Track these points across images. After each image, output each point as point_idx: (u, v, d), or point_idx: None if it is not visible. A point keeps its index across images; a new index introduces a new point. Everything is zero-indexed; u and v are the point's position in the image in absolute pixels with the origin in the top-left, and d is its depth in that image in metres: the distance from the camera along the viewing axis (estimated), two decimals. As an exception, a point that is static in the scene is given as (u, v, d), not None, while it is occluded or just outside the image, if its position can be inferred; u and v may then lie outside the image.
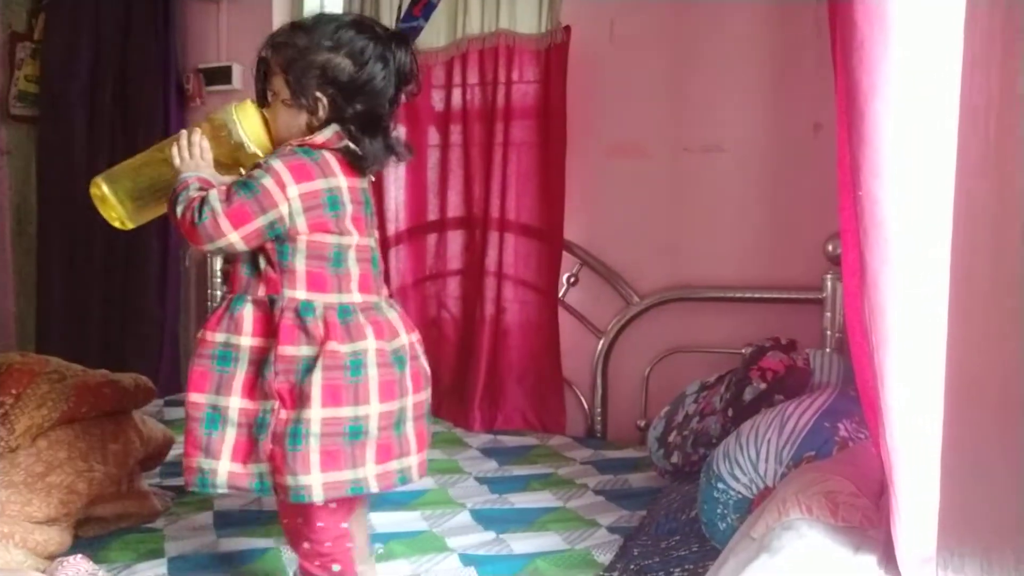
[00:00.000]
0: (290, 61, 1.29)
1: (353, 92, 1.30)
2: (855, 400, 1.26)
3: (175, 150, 1.32)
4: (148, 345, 3.12)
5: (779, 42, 2.32)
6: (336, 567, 1.31)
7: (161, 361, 3.11)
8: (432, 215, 2.78)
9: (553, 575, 1.53)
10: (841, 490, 0.95)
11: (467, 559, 1.60)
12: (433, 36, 2.69)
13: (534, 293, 2.62)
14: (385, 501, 1.92)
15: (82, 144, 3.11)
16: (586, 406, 2.57)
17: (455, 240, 2.75)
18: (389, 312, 1.37)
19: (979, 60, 0.54)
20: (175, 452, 2.14)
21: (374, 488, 1.28)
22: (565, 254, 2.55)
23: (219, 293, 3.13)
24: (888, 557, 0.82)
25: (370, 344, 1.28)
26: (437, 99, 2.74)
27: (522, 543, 1.67)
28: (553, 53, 2.50)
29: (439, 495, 1.98)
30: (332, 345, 1.23)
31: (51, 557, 1.50)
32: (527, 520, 1.81)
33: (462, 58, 2.65)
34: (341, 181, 1.30)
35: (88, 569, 1.28)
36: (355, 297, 1.31)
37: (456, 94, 2.68)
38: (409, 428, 1.36)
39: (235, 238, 1.22)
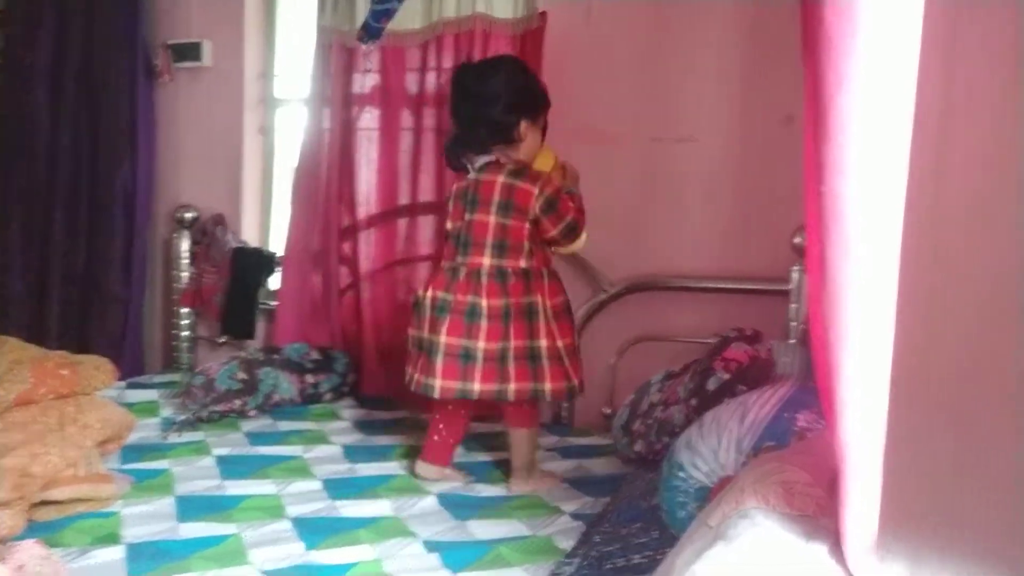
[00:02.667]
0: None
1: None
2: (814, 392, 1.28)
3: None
4: (110, 326, 3.07)
5: (753, 34, 2.33)
6: None
7: (124, 343, 3.06)
8: (403, 199, 2.76)
9: (516, 561, 1.54)
10: (797, 480, 0.97)
11: (431, 545, 1.60)
12: (408, 18, 2.66)
13: (504, 280, 2.61)
14: (351, 487, 1.92)
15: (44, 119, 3.04)
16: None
17: (426, 225, 2.74)
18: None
19: (932, 62, 0.55)
20: (136, 435, 2.12)
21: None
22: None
23: (185, 274, 3.10)
24: (837, 545, 0.84)
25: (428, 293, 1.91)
26: (411, 82, 2.71)
27: (486, 529, 1.68)
28: (529, 38, 2.49)
29: (405, 481, 1.98)
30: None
31: (2, 541, 1.47)
32: (491, 506, 1.82)
33: (437, 41, 2.63)
34: None
35: (41, 554, 1.26)
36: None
37: (431, 78, 2.66)
38: (438, 358, 1.83)
39: None
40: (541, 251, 1.88)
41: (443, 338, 1.83)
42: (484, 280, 1.84)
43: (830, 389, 0.89)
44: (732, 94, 2.37)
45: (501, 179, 1.85)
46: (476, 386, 1.83)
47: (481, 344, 1.82)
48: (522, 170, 1.88)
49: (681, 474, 1.33)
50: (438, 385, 1.84)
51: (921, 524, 0.53)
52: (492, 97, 1.86)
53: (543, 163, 1.93)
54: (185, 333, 3.13)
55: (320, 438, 2.29)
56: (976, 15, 0.52)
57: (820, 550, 0.84)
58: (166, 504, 1.76)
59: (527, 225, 1.84)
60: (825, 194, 0.84)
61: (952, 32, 0.55)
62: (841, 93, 0.81)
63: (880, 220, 0.77)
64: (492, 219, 1.84)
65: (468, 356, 1.83)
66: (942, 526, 0.49)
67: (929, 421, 0.54)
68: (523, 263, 1.85)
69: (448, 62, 2.62)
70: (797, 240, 2.10)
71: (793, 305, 2.15)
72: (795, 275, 2.15)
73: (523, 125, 1.88)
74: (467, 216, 1.88)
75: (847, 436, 0.80)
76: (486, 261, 1.85)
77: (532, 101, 1.90)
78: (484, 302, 1.83)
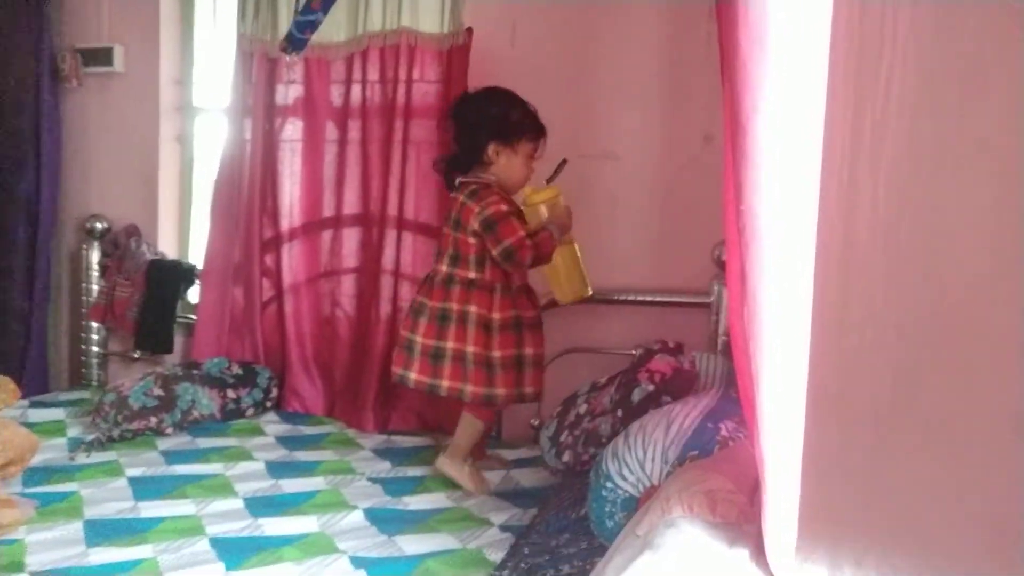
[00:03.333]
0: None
1: None
2: (736, 401, 1.33)
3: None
4: (11, 342, 2.90)
5: (674, 55, 2.40)
6: None
7: (26, 359, 2.90)
8: (328, 211, 2.72)
9: (444, 575, 1.53)
10: (720, 488, 1.00)
11: (357, 561, 1.58)
12: (333, 30, 2.64)
13: (431, 293, 2.60)
14: (276, 504, 1.87)
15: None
16: (481, 406, 2.58)
17: (351, 238, 2.71)
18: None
19: (839, 89, 0.59)
20: (41, 457, 2.02)
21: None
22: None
23: (96, 287, 2.96)
24: (759, 550, 0.87)
25: None
26: (336, 94, 2.68)
27: (414, 544, 1.67)
28: (455, 54, 2.50)
29: (331, 496, 1.94)
30: None
31: None
32: (419, 520, 1.81)
33: (362, 55, 2.61)
34: None
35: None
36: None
37: (355, 90, 2.64)
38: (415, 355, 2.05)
39: None
40: (496, 266, 2.02)
41: (418, 337, 2.06)
42: (437, 285, 2.06)
43: (751, 399, 0.92)
44: (654, 113, 2.44)
45: (460, 197, 2.04)
46: (413, 376, 2.06)
47: (419, 339, 2.05)
48: (477, 191, 2.02)
49: (609, 484, 1.36)
50: (412, 378, 2.07)
51: (840, 527, 0.56)
52: (464, 123, 2.07)
53: (537, 195, 2.05)
54: (95, 349, 2.99)
55: (242, 455, 2.23)
56: (883, 42, 0.55)
57: (742, 555, 0.87)
58: (74, 529, 1.68)
59: (471, 239, 2.01)
60: (744, 212, 0.88)
61: (859, 59, 0.59)
62: (757, 116, 0.85)
63: (794, 237, 0.81)
64: (450, 232, 2.05)
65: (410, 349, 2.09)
66: (860, 529, 0.52)
67: (845, 429, 0.57)
68: (471, 274, 2.03)
69: (373, 75, 2.61)
70: (717, 254, 2.18)
71: (714, 317, 2.22)
72: (716, 288, 2.23)
73: (491, 148, 2.04)
74: (444, 229, 2.10)
75: (767, 444, 0.84)
76: (443, 268, 2.06)
77: (502, 126, 2.04)
78: (430, 303, 2.06)
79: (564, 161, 2.09)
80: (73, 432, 2.36)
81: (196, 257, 2.99)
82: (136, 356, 2.94)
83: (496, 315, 2.00)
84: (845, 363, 0.55)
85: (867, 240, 0.56)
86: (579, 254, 2.12)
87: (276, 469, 2.12)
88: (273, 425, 2.54)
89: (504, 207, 2.00)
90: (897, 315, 0.51)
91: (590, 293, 2.12)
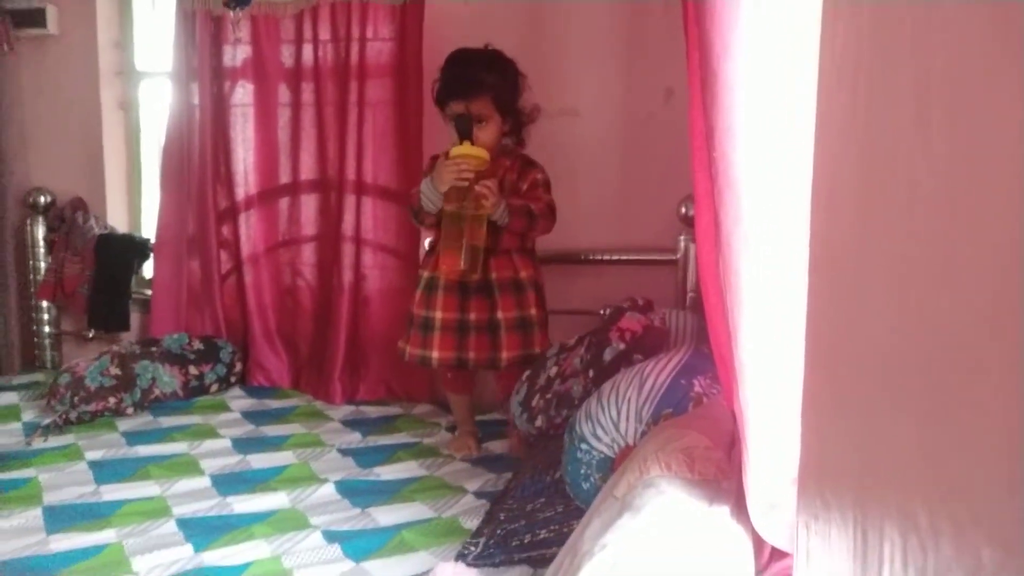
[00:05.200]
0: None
1: None
2: (708, 357, 1.31)
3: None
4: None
5: (630, 8, 2.34)
6: None
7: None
8: (284, 178, 2.64)
9: (420, 545, 1.51)
10: (697, 445, 0.98)
11: (331, 535, 1.55)
12: (280, -14, 2.53)
13: (394, 258, 2.55)
14: (244, 481, 1.83)
15: None
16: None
17: (309, 204, 2.63)
18: None
19: (844, 15, 0.55)
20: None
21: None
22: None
23: (43, 264, 2.85)
24: (740, 507, 0.86)
25: None
26: (287, 55, 2.58)
27: (388, 515, 1.64)
28: (409, 10, 2.41)
29: (301, 470, 1.91)
30: None
31: None
32: (393, 491, 1.78)
33: (312, 12, 2.51)
34: None
35: None
36: None
37: (307, 50, 2.54)
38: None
39: None
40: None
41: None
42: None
43: (727, 353, 0.90)
44: (613, 68, 2.39)
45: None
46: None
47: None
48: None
49: (583, 446, 1.34)
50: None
51: (833, 480, 0.54)
52: (512, 84, 2.01)
53: (468, 149, 1.87)
54: (47, 328, 2.88)
55: (207, 432, 2.17)
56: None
57: (723, 512, 0.85)
58: (33, 516, 1.62)
59: None
60: (717, 160, 0.84)
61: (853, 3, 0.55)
62: (728, 58, 0.81)
63: (773, 182, 0.78)
64: None
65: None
66: (880, 488, 0.50)
67: (844, 380, 0.54)
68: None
69: (325, 34, 2.51)
70: (683, 210, 2.15)
71: (681, 273, 2.21)
72: (682, 244, 2.21)
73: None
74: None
75: (746, 398, 0.82)
76: None
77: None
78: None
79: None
80: (28, 416, 2.28)
81: (148, 230, 2.88)
82: (90, 335, 2.85)
83: (440, 271, 1.95)
84: (856, 312, 0.53)
85: (865, 181, 0.53)
86: (463, 223, 1.85)
87: (243, 445, 2.07)
88: (238, 400, 2.48)
89: (430, 169, 1.99)
90: (903, 251, 0.48)
91: (461, 267, 1.85)
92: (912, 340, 0.45)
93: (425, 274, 2.03)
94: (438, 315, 1.97)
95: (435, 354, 1.97)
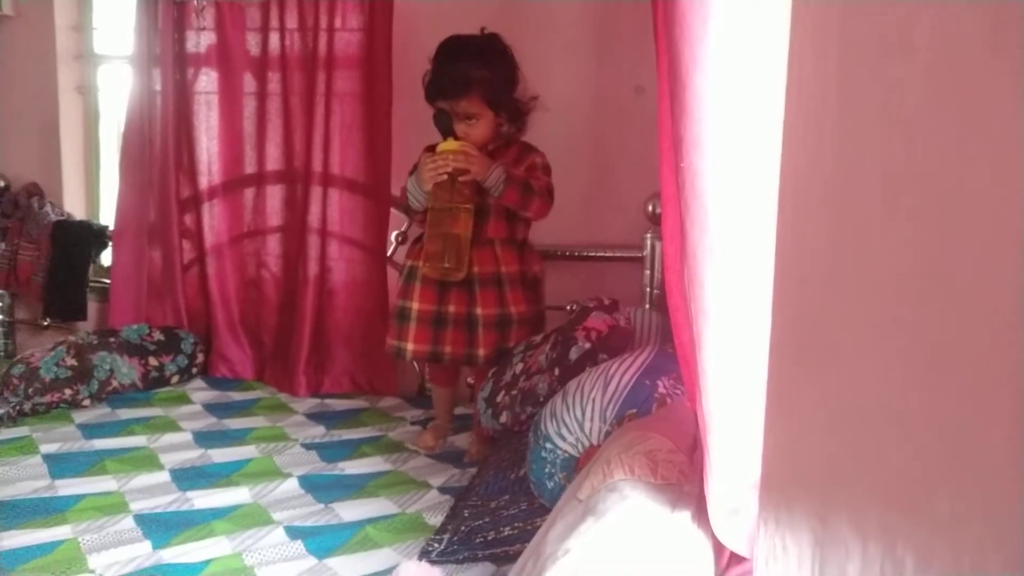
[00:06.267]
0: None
1: None
2: (672, 357, 1.33)
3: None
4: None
5: (602, 3, 2.35)
6: None
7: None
8: (249, 168, 2.60)
9: (384, 541, 1.51)
10: (660, 448, 1.00)
11: (293, 531, 1.54)
12: (246, -28, 2.48)
13: (361, 251, 2.53)
14: (205, 475, 1.81)
15: None
16: (416, 367, 2.55)
17: (275, 195, 2.60)
18: None
19: (811, 35, 0.56)
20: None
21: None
22: (393, 211, 2.48)
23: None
24: (701, 511, 0.87)
25: None
26: (253, 43, 2.54)
27: (352, 510, 1.64)
28: (378, 2, 2.38)
29: (264, 464, 1.89)
30: None
31: None
32: (357, 486, 1.77)
33: (279, 0, 2.47)
34: None
35: None
36: None
37: (274, 39, 2.50)
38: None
39: None
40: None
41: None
42: None
43: (691, 358, 0.91)
44: (582, 64, 2.39)
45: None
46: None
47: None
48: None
49: (548, 445, 1.35)
50: None
51: (803, 480, 0.56)
52: (513, 72, 2.00)
53: (451, 145, 1.86)
54: (0, 317, 2.81)
55: (167, 425, 2.14)
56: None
57: (684, 516, 0.87)
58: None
59: None
60: (684, 169, 0.85)
61: (822, 15, 0.56)
62: (697, 70, 0.82)
63: (740, 194, 0.79)
64: None
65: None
66: (828, 478, 0.51)
67: (804, 385, 0.55)
68: None
69: (292, 22, 2.47)
70: (650, 208, 2.17)
71: (647, 271, 2.23)
72: (649, 241, 2.23)
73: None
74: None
75: (709, 404, 0.83)
76: None
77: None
78: None
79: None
80: (-21, 408, 2.22)
81: (107, 217, 2.82)
82: (46, 324, 2.78)
83: (421, 264, 1.92)
84: (808, 317, 0.54)
85: (830, 189, 0.54)
86: (442, 220, 1.84)
87: (204, 438, 2.05)
88: (200, 392, 2.45)
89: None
90: (869, 261, 0.49)
91: (445, 265, 1.84)
92: (876, 348, 0.47)
93: (408, 263, 2.00)
94: (415, 306, 1.93)
95: (410, 346, 1.94)
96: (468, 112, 1.88)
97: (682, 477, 0.93)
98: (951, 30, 0.43)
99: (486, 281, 1.91)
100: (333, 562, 1.43)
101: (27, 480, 1.75)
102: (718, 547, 0.85)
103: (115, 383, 2.35)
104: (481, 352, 1.91)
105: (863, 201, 0.48)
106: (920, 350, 0.44)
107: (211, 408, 2.31)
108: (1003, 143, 0.38)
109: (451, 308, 1.92)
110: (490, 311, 1.91)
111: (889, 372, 0.46)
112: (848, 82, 0.50)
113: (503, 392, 1.73)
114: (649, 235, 2.23)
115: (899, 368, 0.46)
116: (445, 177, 1.83)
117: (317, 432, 2.14)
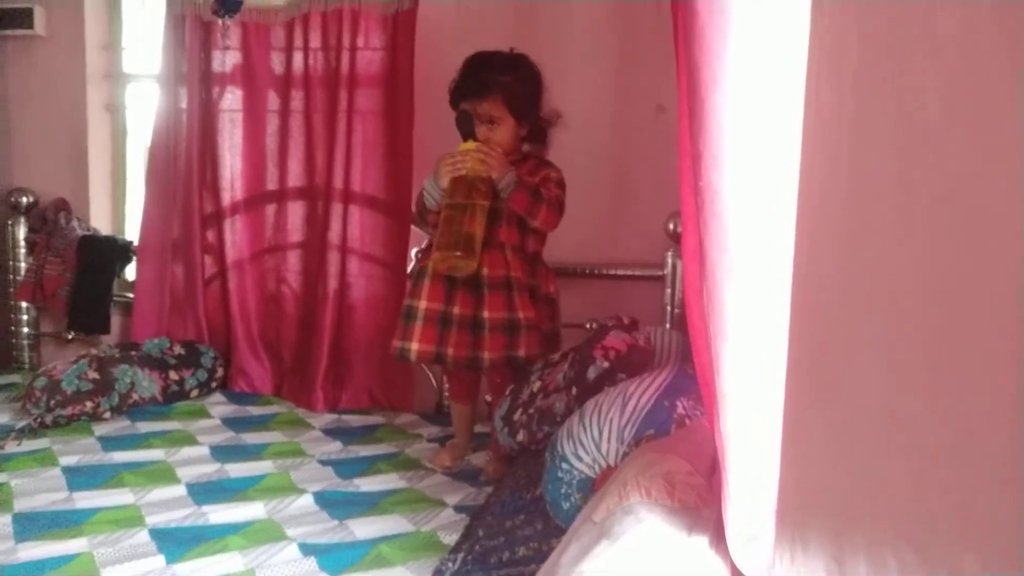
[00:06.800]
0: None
1: None
2: (692, 378, 1.31)
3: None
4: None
5: (623, 22, 2.35)
6: None
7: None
8: (271, 184, 2.63)
9: (398, 560, 1.49)
10: (678, 470, 0.98)
11: (307, 548, 1.53)
12: (271, -7, 2.52)
13: (381, 268, 2.54)
14: (221, 490, 1.81)
15: None
16: (434, 382, 2.54)
17: (296, 211, 2.62)
18: None
19: (828, 56, 0.55)
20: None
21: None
22: (413, 228, 2.49)
23: (23, 264, 2.81)
24: (719, 537, 0.85)
25: None
26: (277, 62, 2.57)
27: (365, 528, 1.63)
28: (401, 19, 2.41)
29: (279, 480, 1.89)
30: None
31: None
32: (372, 503, 1.76)
33: (303, 20, 2.50)
34: None
35: None
36: None
37: (297, 57, 2.53)
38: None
39: None
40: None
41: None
42: None
43: (710, 380, 0.90)
44: (604, 82, 2.39)
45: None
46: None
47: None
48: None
49: (564, 465, 1.33)
50: None
51: (819, 508, 0.54)
52: (536, 89, 2.03)
53: (470, 146, 1.91)
54: (25, 330, 2.84)
55: (185, 439, 2.15)
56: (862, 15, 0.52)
57: (702, 542, 0.85)
58: (2, 523, 1.59)
59: None
60: (703, 189, 0.84)
61: (850, 24, 0.55)
62: (716, 89, 0.81)
63: (759, 214, 0.78)
64: None
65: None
66: (843, 508, 0.50)
67: (824, 416, 0.54)
68: None
69: (315, 42, 2.50)
70: (671, 226, 2.16)
71: (668, 290, 2.21)
72: (669, 260, 2.21)
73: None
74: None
75: (727, 428, 0.81)
76: None
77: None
78: None
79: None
80: (2, 419, 2.25)
81: (132, 233, 2.85)
82: (70, 337, 2.81)
83: (432, 257, 1.89)
84: (839, 342, 0.52)
85: (848, 213, 0.53)
86: (461, 213, 1.84)
87: (221, 453, 2.05)
88: (219, 406, 2.46)
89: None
90: (882, 291, 0.48)
91: (456, 254, 1.82)
92: (889, 373, 0.45)
93: (418, 267, 2.01)
94: (422, 304, 1.89)
95: (414, 346, 1.88)
96: (490, 115, 1.91)
97: (700, 501, 0.91)
98: (967, 48, 0.42)
99: (495, 284, 1.88)
100: (346, 580, 1.42)
101: (45, 492, 1.76)
102: (736, 574, 0.83)
103: (136, 396, 2.36)
104: (486, 355, 1.85)
105: (880, 223, 0.47)
106: (935, 377, 0.42)
107: (229, 422, 2.32)
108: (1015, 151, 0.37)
109: (456, 310, 1.88)
110: (498, 314, 1.86)
111: (902, 400, 0.45)
112: (863, 100, 0.49)
113: (520, 410, 1.72)
114: (670, 254, 2.22)
115: (913, 396, 0.44)
116: (463, 172, 1.85)
117: (334, 448, 2.14)
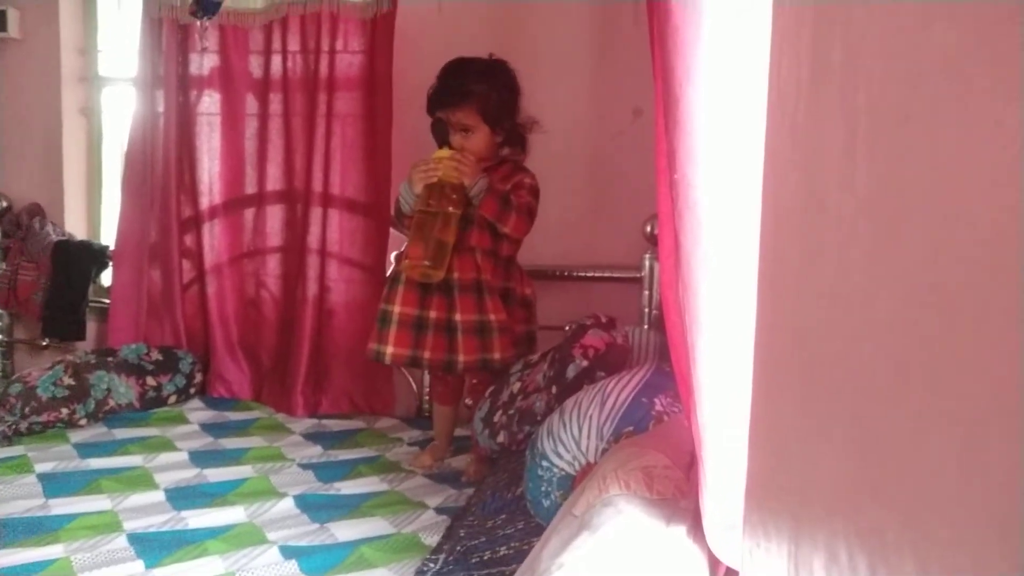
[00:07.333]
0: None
1: None
2: (670, 375, 1.32)
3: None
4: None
5: (600, 26, 2.37)
6: None
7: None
8: (250, 188, 2.61)
9: (380, 562, 1.49)
10: (656, 463, 0.99)
11: (288, 551, 1.52)
12: (249, -4, 2.51)
13: (360, 271, 2.53)
14: (200, 495, 1.79)
15: None
16: (414, 386, 2.54)
17: (275, 215, 2.61)
18: None
19: (787, 46, 0.56)
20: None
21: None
22: (392, 232, 2.49)
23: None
24: (696, 526, 0.86)
25: None
26: (255, 65, 2.56)
27: (347, 530, 1.62)
28: (380, 22, 2.41)
29: (260, 484, 1.88)
30: None
31: None
32: (353, 506, 1.76)
33: (282, 23, 2.50)
34: None
35: None
36: None
37: (276, 61, 2.53)
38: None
39: None
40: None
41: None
42: None
43: (687, 373, 0.91)
44: (582, 86, 2.41)
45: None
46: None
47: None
48: None
49: (544, 463, 1.34)
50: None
51: (781, 500, 0.55)
52: (514, 95, 2.03)
53: (445, 153, 1.91)
54: (-1, 336, 2.81)
55: (163, 445, 2.13)
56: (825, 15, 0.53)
57: (680, 532, 0.86)
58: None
59: None
60: (677, 182, 0.86)
61: (806, 15, 0.56)
62: (690, 85, 0.83)
63: (731, 206, 0.79)
64: None
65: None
66: (802, 501, 0.51)
67: (788, 399, 0.55)
68: None
69: (294, 45, 2.50)
70: (648, 228, 2.17)
71: (646, 291, 2.23)
72: (647, 262, 2.23)
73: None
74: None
75: (704, 418, 0.82)
76: None
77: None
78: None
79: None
80: (-24, 427, 2.21)
81: (108, 237, 2.83)
82: (44, 344, 2.78)
83: (403, 263, 1.91)
84: (798, 335, 0.53)
85: (817, 205, 0.54)
86: (432, 219, 1.84)
87: (200, 458, 2.04)
88: (197, 412, 2.43)
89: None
90: (849, 285, 0.49)
91: (425, 263, 1.82)
92: (849, 369, 0.46)
93: (393, 271, 2.02)
94: (396, 309, 1.90)
95: (389, 349, 1.89)
96: (463, 123, 1.91)
97: (678, 492, 0.92)
98: (899, 51, 0.43)
99: (465, 287, 1.89)
100: (327, 582, 1.42)
101: (20, 499, 1.73)
102: (713, 562, 0.84)
103: (112, 403, 2.34)
104: (461, 359, 1.86)
105: (834, 214, 0.49)
106: (897, 362, 0.44)
107: (208, 428, 2.30)
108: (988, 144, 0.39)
109: (432, 314, 1.89)
110: (468, 316, 1.88)
111: (863, 384, 0.46)
112: (817, 86, 0.50)
113: (500, 411, 1.72)
114: (648, 256, 2.23)
115: (870, 380, 0.45)
116: (435, 179, 1.85)
117: (314, 452, 2.13)
